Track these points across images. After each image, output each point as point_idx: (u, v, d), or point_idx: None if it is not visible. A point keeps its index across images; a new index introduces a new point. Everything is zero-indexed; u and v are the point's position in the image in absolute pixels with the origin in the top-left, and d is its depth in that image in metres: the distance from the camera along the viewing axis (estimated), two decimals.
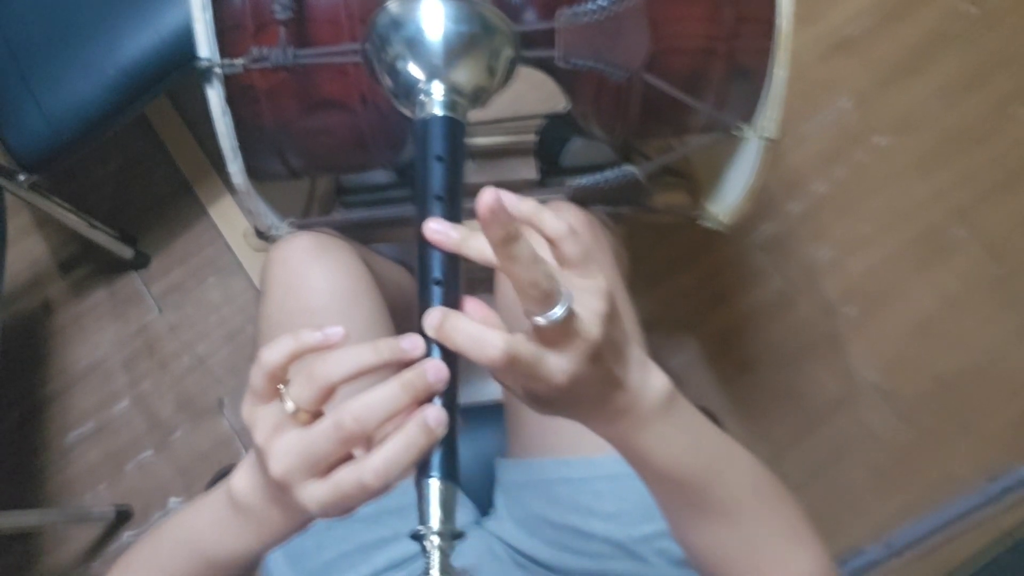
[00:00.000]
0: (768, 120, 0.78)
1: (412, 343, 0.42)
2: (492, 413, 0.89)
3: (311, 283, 0.78)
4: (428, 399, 0.41)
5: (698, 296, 1.41)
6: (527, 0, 0.80)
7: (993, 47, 1.51)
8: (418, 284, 0.44)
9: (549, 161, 1.11)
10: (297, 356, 0.43)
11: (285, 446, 0.41)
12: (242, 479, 0.45)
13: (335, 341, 0.43)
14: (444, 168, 0.46)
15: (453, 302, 0.44)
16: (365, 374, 0.41)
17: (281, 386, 0.43)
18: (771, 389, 1.38)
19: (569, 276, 0.44)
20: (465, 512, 0.82)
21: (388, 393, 0.40)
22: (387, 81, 0.51)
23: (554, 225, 0.44)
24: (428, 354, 0.42)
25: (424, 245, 0.44)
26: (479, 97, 0.51)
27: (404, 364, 0.42)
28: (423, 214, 0.45)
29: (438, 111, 0.48)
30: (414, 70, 0.49)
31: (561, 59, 0.74)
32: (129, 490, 1.34)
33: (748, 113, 0.81)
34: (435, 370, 0.41)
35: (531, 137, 1.15)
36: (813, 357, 1.39)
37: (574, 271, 0.44)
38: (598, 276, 0.45)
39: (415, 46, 0.49)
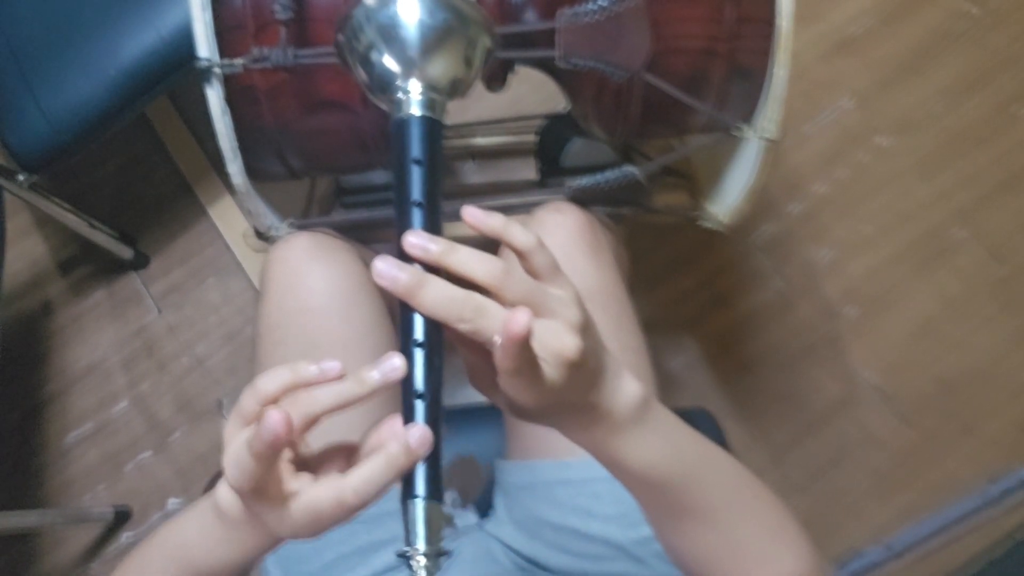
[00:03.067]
0: (768, 120, 0.78)
1: (392, 365, 0.41)
2: (491, 415, 0.88)
3: (310, 284, 0.78)
4: (411, 466, 0.41)
5: (698, 297, 1.41)
6: (527, 0, 0.79)
7: (995, 47, 1.51)
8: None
9: (549, 161, 1.11)
10: (292, 388, 0.43)
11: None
12: (228, 491, 0.45)
13: (332, 376, 0.43)
14: (423, 172, 0.45)
15: None
16: (351, 405, 0.42)
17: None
18: (771, 390, 1.38)
19: (542, 288, 0.44)
20: (465, 514, 0.82)
21: (376, 468, 0.40)
22: (361, 74, 0.50)
23: (522, 238, 0.44)
24: (411, 367, 0.42)
25: (404, 254, 0.44)
26: (457, 89, 0.49)
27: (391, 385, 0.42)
28: (402, 222, 0.44)
29: (416, 111, 0.47)
30: (389, 62, 0.48)
31: (561, 59, 0.74)
32: (128, 491, 1.34)
33: (748, 113, 0.81)
34: (419, 437, 0.40)
35: (531, 137, 1.15)
36: (813, 358, 1.38)
37: (545, 282, 0.44)
38: (568, 286, 0.44)
39: (390, 37, 0.47)
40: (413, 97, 0.47)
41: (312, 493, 0.40)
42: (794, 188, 1.45)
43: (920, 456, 1.35)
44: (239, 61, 0.73)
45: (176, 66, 1.06)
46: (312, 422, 0.42)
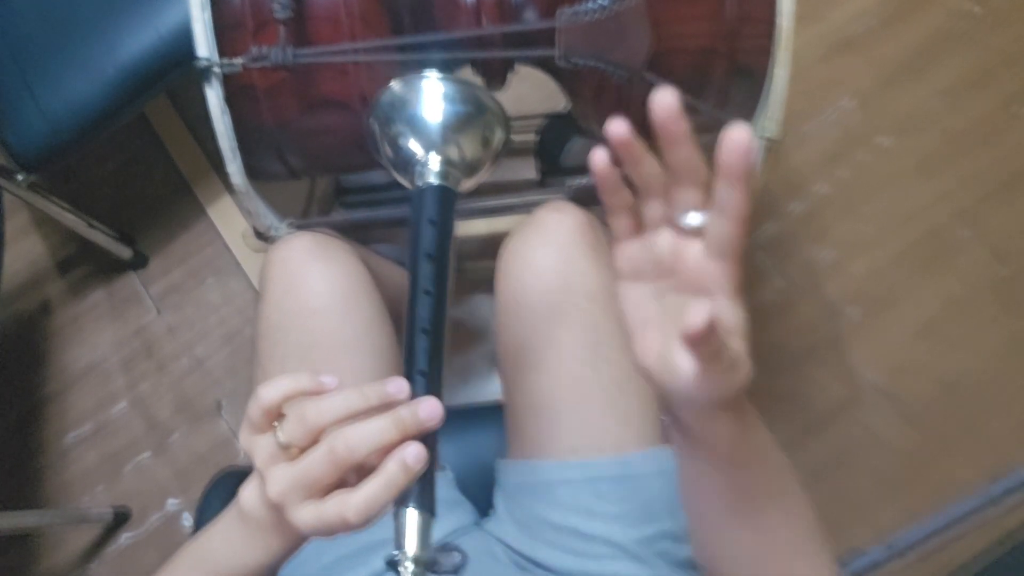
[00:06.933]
0: (769, 120, 0.78)
1: (397, 387, 0.45)
2: (492, 414, 0.88)
3: (310, 284, 0.78)
4: (418, 436, 0.44)
5: None
6: None
7: (997, 47, 1.51)
8: (405, 335, 0.48)
9: (549, 161, 1.11)
10: (292, 397, 0.47)
11: (281, 473, 0.45)
12: (252, 493, 0.48)
13: (328, 389, 0.47)
14: (435, 231, 0.51)
15: (438, 351, 0.48)
16: (353, 417, 0.45)
17: (276, 422, 0.46)
18: (773, 391, 1.37)
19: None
20: (465, 514, 0.81)
21: (379, 427, 0.43)
22: (387, 152, 0.56)
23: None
24: (414, 396, 0.46)
25: (413, 299, 0.49)
26: (473, 169, 0.55)
27: (391, 406, 0.45)
28: (415, 272, 0.50)
29: (433, 180, 0.53)
30: (414, 146, 0.54)
31: (562, 58, 0.74)
32: (127, 492, 1.34)
33: (749, 113, 0.80)
34: (428, 410, 0.44)
35: (531, 137, 1.15)
36: (815, 359, 1.38)
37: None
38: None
39: (415, 123, 0.54)
40: (432, 168, 0.53)
41: (322, 508, 0.44)
42: (795, 188, 1.45)
43: (922, 456, 1.34)
44: (238, 60, 0.73)
45: (175, 65, 1.06)
46: (318, 433, 0.45)
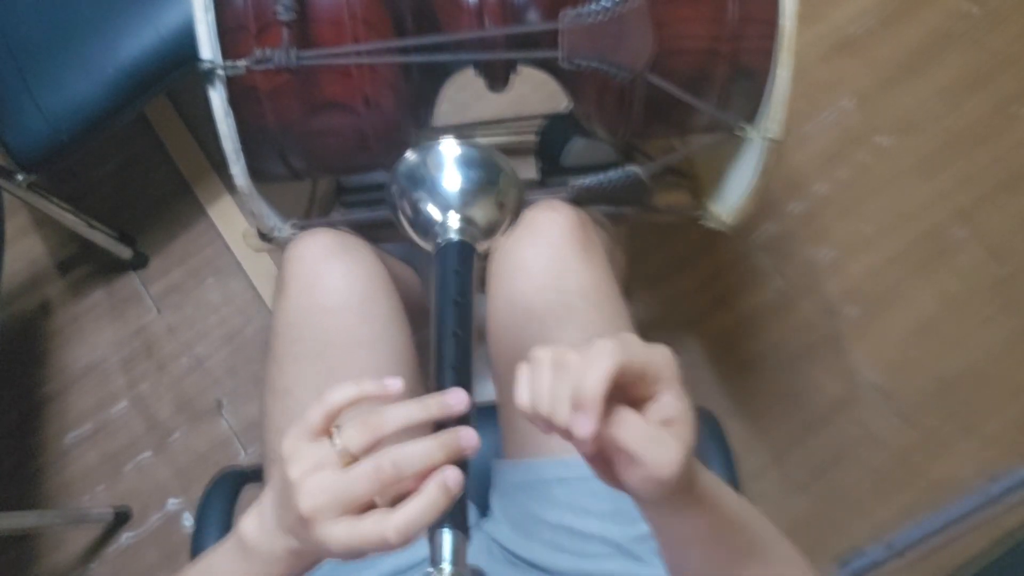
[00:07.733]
0: (771, 120, 0.78)
1: (457, 398, 0.47)
2: (487, 415, 0.88)
3: (327, 282, 0.78)
4: (456, 460, 0.45)
5: (699, 296, 1.41)
6: (530, 0, 0.79)
7: (995, 47, 1.51)
8: (433, 371, 0.51)
9: (550, 161, 1.11)
10: (357, 402, 0.47)
11: (320, 484, 0.44)
12: (251, 522, 0.48)
13: (393, 392, 0.48)
14: (459, 278, 0.56)
15: (466, 386, 0.50)
16: (413, 426, 0.46)
17: (335, 427, 0.46)
18: (772, 390, 1.38)
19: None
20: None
21: (426, 448, 0.44)
22: (408, 215, 0.60)
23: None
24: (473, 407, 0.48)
25: (440, 341, 0.52)
26: (491, 230, 0.60)
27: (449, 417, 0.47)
28: (442, 315, 0.54)
29: (453, 236, 0.58)
30: (433, 209, 0.59)
31: (565, 60, 0.74)
32: (127, 491, 1.34)
33: (751, 113, 0.81)
34: (468, 437, 0.46)
35: (532, 137, 1.15)
36: (814, 358, 1.39)
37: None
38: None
39: (434, 188, 0.59)
40: (451, 226, 0.58)
41: (359, 525, 0.43)
42: (795, 188, 1.45)
43: (921, 455, 1.35)
44: (242, 63, 0.73)
45: (175, 65, 1.06)
46: (379, 441, 0.45)
